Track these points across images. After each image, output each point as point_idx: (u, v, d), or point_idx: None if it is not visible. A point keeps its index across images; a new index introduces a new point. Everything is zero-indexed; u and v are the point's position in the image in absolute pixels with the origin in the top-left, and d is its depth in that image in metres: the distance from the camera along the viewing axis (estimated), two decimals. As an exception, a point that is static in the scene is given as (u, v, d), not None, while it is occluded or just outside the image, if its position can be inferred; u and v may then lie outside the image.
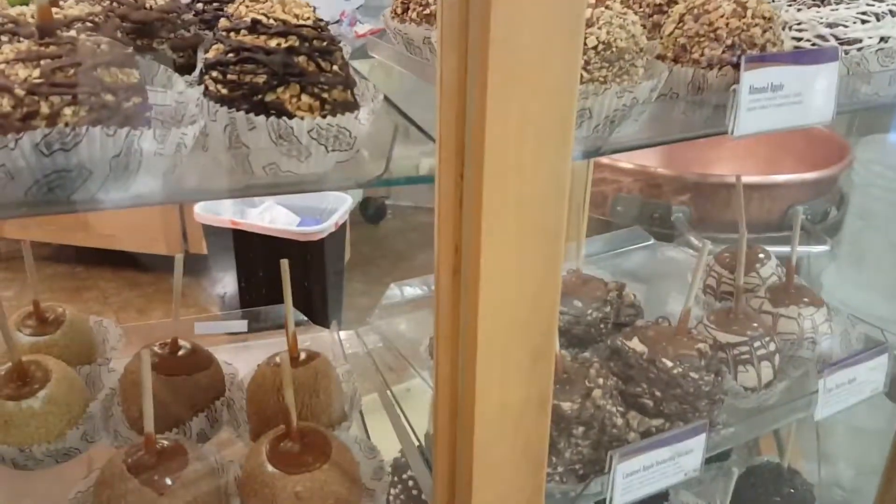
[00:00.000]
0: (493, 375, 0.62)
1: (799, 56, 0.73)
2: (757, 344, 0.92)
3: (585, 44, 0.67)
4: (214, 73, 0.58)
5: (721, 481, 1.19)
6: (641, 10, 0.86)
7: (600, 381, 0.83)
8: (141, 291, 3.06)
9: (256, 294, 2.48)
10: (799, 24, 0.83)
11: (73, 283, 3.13)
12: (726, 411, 0.92)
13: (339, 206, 2.56)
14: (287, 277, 0.87)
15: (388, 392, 0.98)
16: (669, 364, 0.86)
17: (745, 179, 1.39)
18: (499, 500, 0.67)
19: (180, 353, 0.89)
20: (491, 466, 0.65)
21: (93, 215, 3.22)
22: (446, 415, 0.66)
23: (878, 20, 0.82)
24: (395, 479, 1.18)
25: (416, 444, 0.91)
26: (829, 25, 0.82)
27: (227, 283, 2.57)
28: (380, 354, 1.11)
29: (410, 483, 1.14)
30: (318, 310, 2.55)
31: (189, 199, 1.96)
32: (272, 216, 2.47)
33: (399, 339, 1.09)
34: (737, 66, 0.72)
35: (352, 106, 0.61)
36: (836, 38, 0.81)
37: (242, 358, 1.00)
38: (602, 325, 1.00)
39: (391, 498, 1.18)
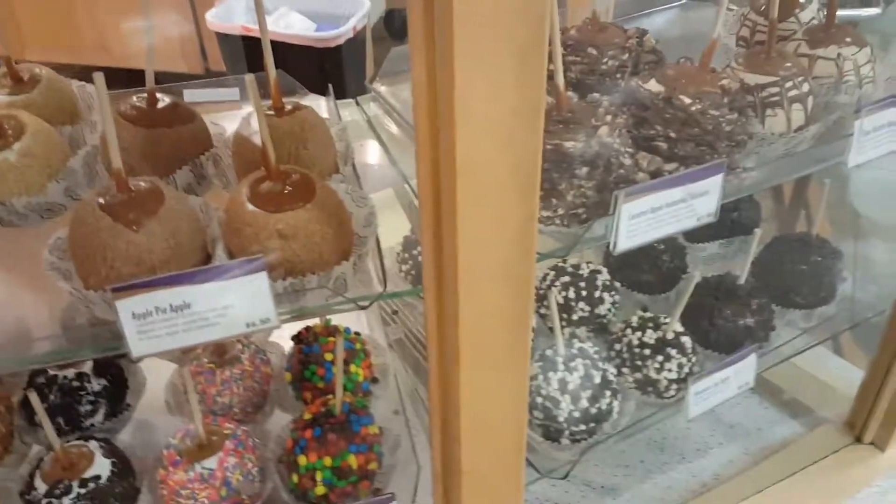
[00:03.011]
0: (475, 79, 0.55)
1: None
2: (788, 84, 0.83)
3: None
4: None
5: (743, 253, 1.14)
6: None
7: (608, 118, 0.76)
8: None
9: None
10: None
11: (98, 107, 3.10)
12: (751, 161, 0.84)
13: (355, 10, 2.42)
14: (263, 18, 0.79)
15: (386, 151, 0.92)
16: (688, 101, 0.78)
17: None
18: (487, 223, 0.62)
19: (159, 105, 0.83)
20: (476, 186, 0.59)
21: (113, 36, 3.14)
22: (427, 129, 0.60)
23: None
24: (406, 255, 1.16)
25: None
26: None
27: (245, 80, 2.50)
28: (381, 123, 1.05)
29: (420, 258, 1.12)
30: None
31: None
32: (287, 22, 2.35)
33: (401, 105, 1.03)
34: None
35: None
36: None
37: (234, 124, 0.95)
38: (619, 74, 0.91)
39: (403, 274, 1.16)
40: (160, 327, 0.66)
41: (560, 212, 0.75)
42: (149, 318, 0.65)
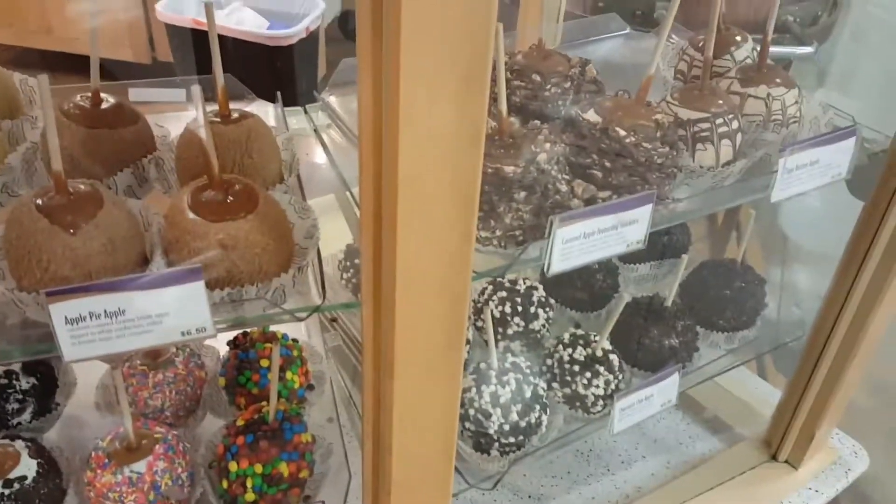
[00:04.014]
0: (419, 100, 0.57)
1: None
2: (719, 121, 0.87)
3: None
4: None
5: (672, 276, 1.19)
6: None
7: (547, 146, 0.79)
8: (108, 100, 2.96)
9: (224, 101, 2.39)
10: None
11: (38, 91, 3.02)
12: (682, 192, 0.88)
13: (310, 10, 2.41)
14: (213, 24, 0.80)
15: (331, 161, 0.94)
16: (622, 133, 0.81)
17: (733, -31, 1.28)
18: (426, 239, 0.63)
19: (103, 105, 0.83)
20: (416, 203, 0.61)
21: (57, 18, 3.06)
22: (371, 146, 0.62)
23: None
24: (348, 263, 1.17)
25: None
26: None
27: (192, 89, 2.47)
28: (328, 132, 1.06)
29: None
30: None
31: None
32: (239, 18, 2.33)
33: (349, 116, 1.04)
34: None
35: None
36: None
37: (179, 127, 0.95)
38: (560, 102, 0.94)
39: (344, 282, 1.17)
40: (94, 332, 0.66)
41: (498, 233, 0.78)
42: (82, 323, 0.65)
